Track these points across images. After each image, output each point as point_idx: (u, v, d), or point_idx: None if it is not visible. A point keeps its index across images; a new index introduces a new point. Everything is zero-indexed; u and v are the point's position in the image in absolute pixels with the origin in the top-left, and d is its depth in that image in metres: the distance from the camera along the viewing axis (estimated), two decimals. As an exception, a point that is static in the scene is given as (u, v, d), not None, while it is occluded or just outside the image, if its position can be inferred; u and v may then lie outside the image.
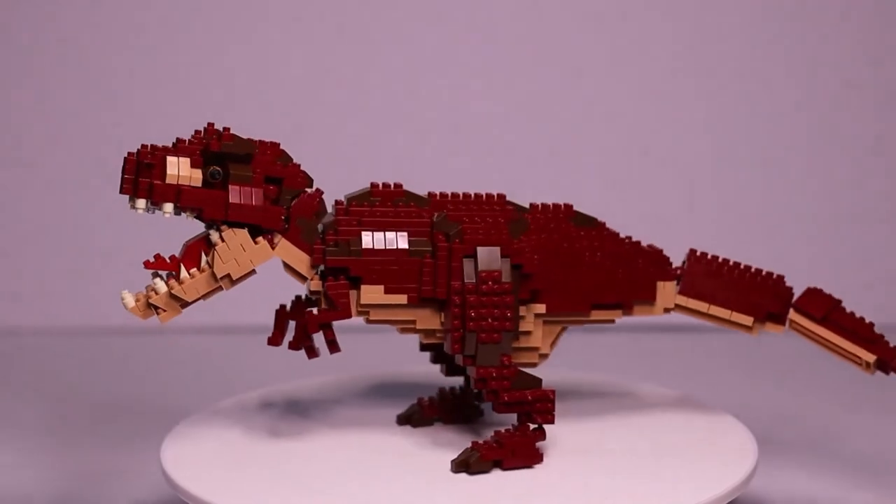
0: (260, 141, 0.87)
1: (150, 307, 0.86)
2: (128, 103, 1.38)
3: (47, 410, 1.12)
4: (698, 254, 0.93)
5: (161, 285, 0.86)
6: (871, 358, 0.90)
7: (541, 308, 0.88)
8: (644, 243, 0.92)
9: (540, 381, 0.87)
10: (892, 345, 0.91)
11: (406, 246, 0.87)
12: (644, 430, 0.93)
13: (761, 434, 0.95)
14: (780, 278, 0.93)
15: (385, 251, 0.87)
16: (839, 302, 0.92)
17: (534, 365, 0.89)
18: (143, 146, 0.85)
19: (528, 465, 0.87)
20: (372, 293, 0.87)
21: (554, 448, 0.89)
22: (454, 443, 0.90)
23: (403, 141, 1.41)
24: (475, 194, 0.90)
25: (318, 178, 0.89)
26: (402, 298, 0.87)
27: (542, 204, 0.90)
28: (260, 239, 0.86)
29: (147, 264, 0.85)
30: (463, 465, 0.86)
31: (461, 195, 0.90)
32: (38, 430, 1.08)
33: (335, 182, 0.92)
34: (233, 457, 0.88)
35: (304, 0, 1.41)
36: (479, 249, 0.86)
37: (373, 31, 1.41)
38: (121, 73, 1.39)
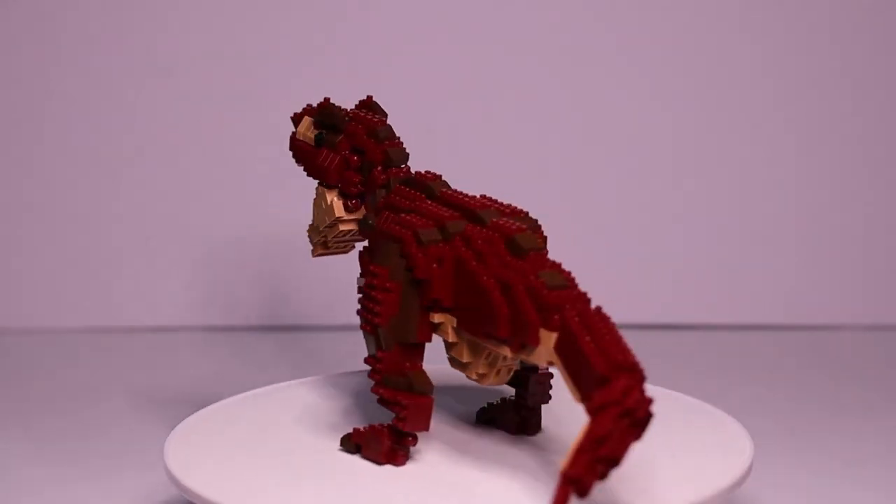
0: (358, 114, 0.93)
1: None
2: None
3: (48, 410, 1.13)
4: (596, 310, 0.80)
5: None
6: (565, 465, 0.75)
7: (454, 321, 0.86)
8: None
9: (417, 387, 0.86)
10: (588, 463, 0.74)
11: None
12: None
13: (758, 433, 0.95)
14: (620, 358, 0.76)
15: (382, 232, 0.89)
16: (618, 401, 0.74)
17: (478, 382, 0.87)
18: (309, 104, 0.96)
19: (378, 462, 0.86)
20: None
21: (552, 446, 0.90)
22: (469, 444, 0.90)
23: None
24: (478, 198, 0.89)
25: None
26: None
27: (505, 221, 0.86)
28: (334, 199, 0.93)
29: None
30: (342, 440, 0.89)
31: (464, 196, 0.89)
32: (40, 430, 1.09)
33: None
34: (238, 455, 0.89)
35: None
36: (382, 243, 0.88)
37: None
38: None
